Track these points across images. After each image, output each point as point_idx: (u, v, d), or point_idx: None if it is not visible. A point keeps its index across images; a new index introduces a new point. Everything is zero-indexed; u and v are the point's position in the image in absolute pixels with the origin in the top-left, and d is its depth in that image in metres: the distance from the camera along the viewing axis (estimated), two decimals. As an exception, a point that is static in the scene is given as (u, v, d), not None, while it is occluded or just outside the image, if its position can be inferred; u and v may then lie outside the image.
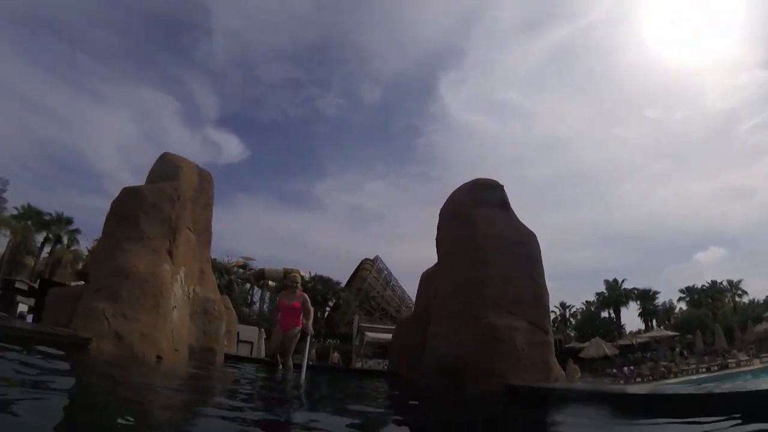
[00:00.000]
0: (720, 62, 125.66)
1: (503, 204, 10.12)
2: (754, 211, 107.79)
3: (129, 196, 9.93)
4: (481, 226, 9.54)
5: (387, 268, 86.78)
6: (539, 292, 8.85)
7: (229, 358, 11.89)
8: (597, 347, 39.96)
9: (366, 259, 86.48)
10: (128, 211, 9.64)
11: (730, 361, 35.57)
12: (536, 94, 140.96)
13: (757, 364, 34.51)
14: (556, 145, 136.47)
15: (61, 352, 6.17)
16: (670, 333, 51.22)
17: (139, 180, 11.12)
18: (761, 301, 69.33)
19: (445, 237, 10.81)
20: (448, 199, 11.17)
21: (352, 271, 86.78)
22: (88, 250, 65.41)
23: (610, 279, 74.62)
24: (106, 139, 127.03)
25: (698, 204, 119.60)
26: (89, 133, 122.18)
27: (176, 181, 10.67)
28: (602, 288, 75.20)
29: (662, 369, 35.64)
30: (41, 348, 6.02)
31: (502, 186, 10.45)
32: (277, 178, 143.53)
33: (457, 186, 10.97)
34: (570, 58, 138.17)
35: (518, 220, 9.94)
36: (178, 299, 9.46)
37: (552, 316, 63.68)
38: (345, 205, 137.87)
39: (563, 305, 77.75)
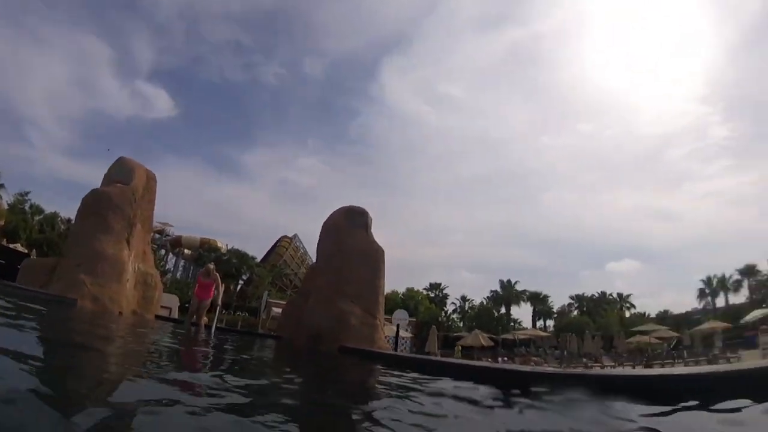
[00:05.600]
0: (660, 89, 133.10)
1: (365, 226, 14.63)
2: (672, 232, 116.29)
3: (99, 198, 14.40)
4: (347, 242, 14.08)
5: (304, 247, 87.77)
6: (375, 291, 13.53)
7: (156, 317, 16.02)
8: (475, 338, 45.11)
9: (284, 236, 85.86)
10: (99, 208, 14.14)
11: (594, 364, 38.41)
12: (479, 92, 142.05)
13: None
14: (492, 144, 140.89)
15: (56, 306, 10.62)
16: (545, 333, 57.68)
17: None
18: (653, 316, 76.08)
19: (324, 244, 15.31)
20: (329, 217, 15.51)
21: (270, 246, 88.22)
22: (8, 205, 64.81)
23: (506, 279, 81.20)
24: (35, 81, 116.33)
25: (620, 218, 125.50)
26: (19, 73, 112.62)
27: (133, 185, 15.04)
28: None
29: (532, 362, 39.99)
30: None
31: (368, 213, 14.99)
32: (206, 141, 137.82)
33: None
34: (517, 63, 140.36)
35: (373, 239, 14.54)
36: (130, 274, 13.75)
37: (452, 307, 69.58)
38: (274, 178, 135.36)
39: (464, 298, 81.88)
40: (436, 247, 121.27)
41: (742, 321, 40.81)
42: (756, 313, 38.54)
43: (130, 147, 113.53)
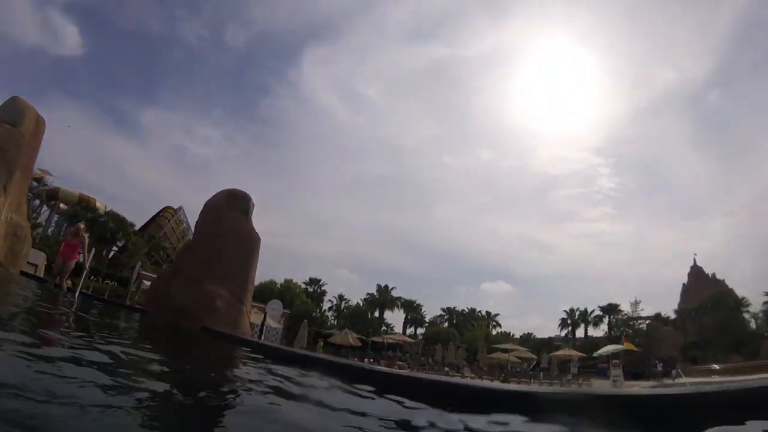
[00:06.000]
0: (561, 134, 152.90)
1: (246, 212, 14.99)
2: (547, 264, 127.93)
3: (-19, 137, 13.66)
4: (226, 224, 14.36)
5: (188, 221, 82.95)
6: (245, 277, 13.91)
7: (21, 273, 15.57)
8: (344, 337, 46.20)
9: (168, 207, 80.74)
10: (-20, 148, 13.41)
11: (454, 374, 40.18)
12: (394, 99, 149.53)
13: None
14: (396, 151, 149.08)
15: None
16: (412, 340, 59.62)
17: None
18: (517, 336, 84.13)
19: (202, 223, 15.48)
20: (211, 198, 15.61)
21: (152, 215, 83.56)
22: None
23: (383, 284, 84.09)
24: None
25: (502, 242, 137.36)
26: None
27: (21, 128, 14.45)
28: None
29: (396, 365, 41.21)
30: None
31: (250, 198, 15.34)
32: (106, 89, 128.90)
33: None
34: (436, 80, 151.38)
35: (251, 225, 14.93)
36: (2, 223, 13.36)
37: (329, 304, 71.10)
38: (170, 143, 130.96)
39: (341, 297, 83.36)
40: (322, 242, 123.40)
41: (596, 353, 43.73)
42: (609, 348, 41.57)
43: (25, 79, 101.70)
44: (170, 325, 12.65)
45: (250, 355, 8.92)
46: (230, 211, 14.64)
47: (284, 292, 65.43)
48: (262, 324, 33.42)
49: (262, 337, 29.54)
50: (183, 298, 13.22)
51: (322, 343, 45.65)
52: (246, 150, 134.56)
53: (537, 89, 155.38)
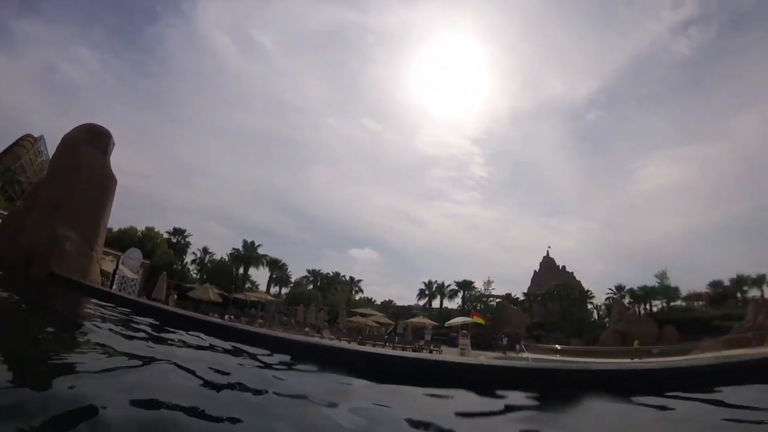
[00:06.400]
0: (448, 118, 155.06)
1: (105, 150, 14.06)
2: (414, 237, 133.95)
3: None
4: (80, 162, 13.32)
5: (48, 153, 75.44)
6: (98, 221, 13.09)
7: None
8: (204, 291, 45.25)
9: (28, 135, 74.22)
10: None
11: (315, 334, 40.69)
12: (290, 52, 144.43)
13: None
14: (282, 106, 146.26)
15: None
16: (275, 299, 59.87)
17: None
18: (378, 302, 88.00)
19: (57, 158, 14.42)
20: (69, 132, 14.38)
21: (9, 143, 74.73)
22: None
23: (250, 240, 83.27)
24: None
25: (374, 212, 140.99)
26: None
27: None
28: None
29: (258, 323, 41.21)
30: None
31: (111, 136, 14.37)
32: None
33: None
34: (336, 43, 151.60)
35: (109, 166, 14.02)
36: None
37: (192, 257, 69.48)
38: (41, 60, 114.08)
39: (205, 250, 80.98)
40: (192, 191, 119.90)
41: (447, 323, 45.84)
42: (458, 319, 43.94)
43: None
44: (18, 270, 11.74)
45: (97, 304, 8.47)
46: (88, 147, 13.61)
47: (145, 241, 62.11)
48: (114, 272, 32.05)
49: (114, 287, 28.35)
50: (32, 240, 12.27)
51: (175, 296, 44.13)
52: (121, 78, 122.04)
53: (432, 72, 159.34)
